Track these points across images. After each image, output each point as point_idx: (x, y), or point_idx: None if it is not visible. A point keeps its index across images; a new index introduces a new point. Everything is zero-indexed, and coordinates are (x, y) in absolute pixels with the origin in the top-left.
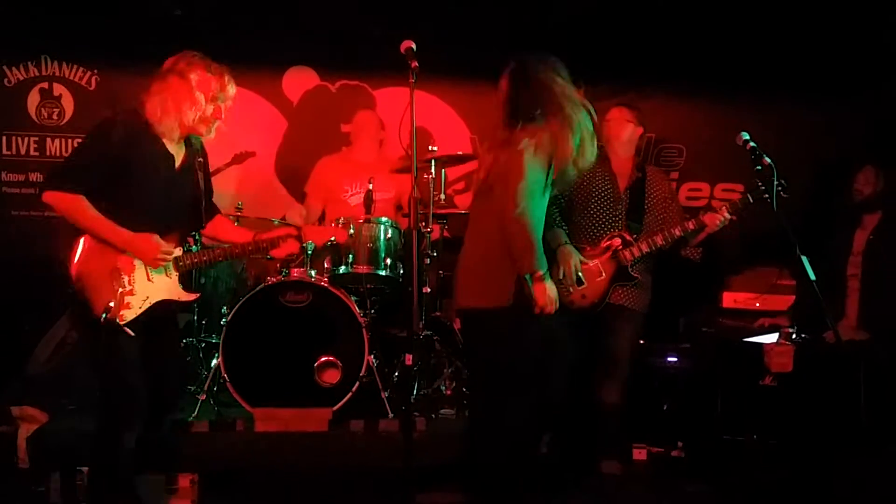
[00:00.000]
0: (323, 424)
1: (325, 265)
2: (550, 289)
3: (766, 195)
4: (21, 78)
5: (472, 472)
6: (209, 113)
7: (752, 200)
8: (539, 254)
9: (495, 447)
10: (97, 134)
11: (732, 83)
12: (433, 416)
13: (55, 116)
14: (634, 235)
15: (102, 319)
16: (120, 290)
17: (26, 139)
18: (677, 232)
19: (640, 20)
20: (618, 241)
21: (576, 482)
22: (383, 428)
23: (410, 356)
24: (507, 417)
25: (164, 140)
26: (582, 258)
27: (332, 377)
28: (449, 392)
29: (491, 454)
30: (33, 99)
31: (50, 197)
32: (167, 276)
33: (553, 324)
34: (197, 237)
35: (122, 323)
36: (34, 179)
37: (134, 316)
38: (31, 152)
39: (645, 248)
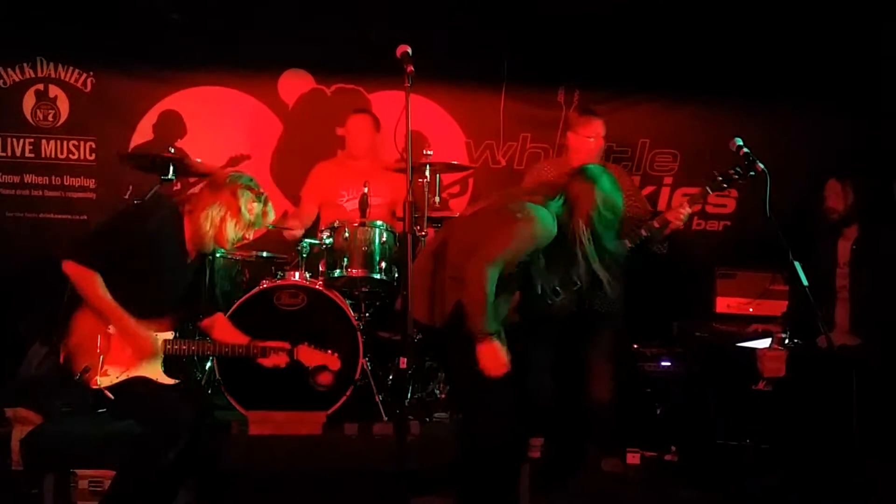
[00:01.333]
0: (317, 428)
1: (320, 268)
2: (495, 352)
3: (725, 185)
4: (16, 79)
5: (455, 478)
6: (244, 234)
7: (710, 192)
8: (489, 314)
9: (470, 454)
10: (132, 216)
11: (726, 89)
12: (427, 419)
13: (50, 118)
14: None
15: (77, 377)
16: (102, 355)
17: (21, 141)
18: (644, 233)
19: (634, 27)
20: None
21: (572, 483)
22: (377, 431)
23: (405, 360)
24: (479, 426)
25: (188, 242)
26: None
27: (326, 380)
28: (443, 396)
29: (466, 460)
30: (29, 100)
31: (69, 267)
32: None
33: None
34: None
35: (94, 388)
36: (29, 181)
37: (108, 384)
38: (27, 154)
39: None
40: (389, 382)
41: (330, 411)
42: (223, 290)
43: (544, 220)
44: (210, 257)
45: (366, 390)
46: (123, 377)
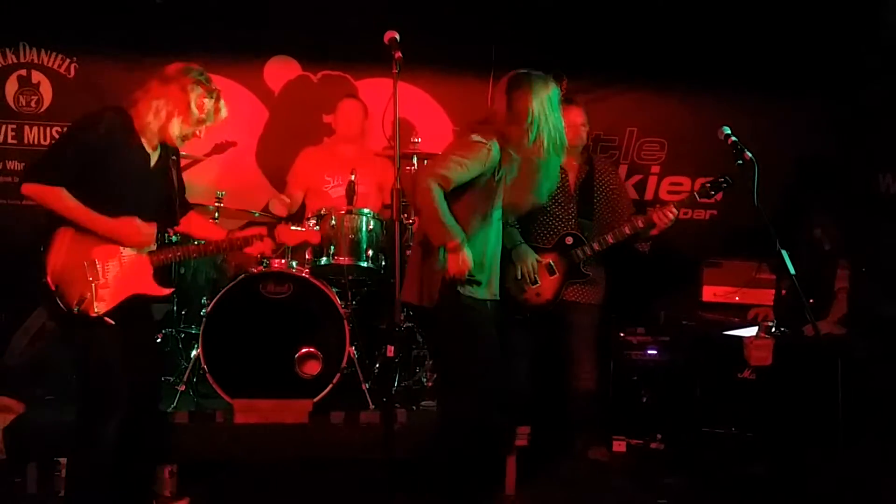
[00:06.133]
0: (303, 416)
1: (307, 256)
2: (461, 258)
3: (712, 192)
4: None
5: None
6: (194, 131)
7: (698, 199)
8: (448, 223)
9: (444, 436)
10: (80, 127)
11: (714, 78)
12: (414, 407)
13: (33, 104)
14: (586, 233)
15: (76, 311)
16: (94, 282)
17: (4, 127)
18: (627, 230)
19: (624, 14)
20: (570, 239)
21: (558, 471)
22: (364, 419)
23: (392, 348)
24: (450, 410)
25: (143, 139)
26: (537, 257)
27: (312, 369)
28: (430, 384)
29: (440, 443)
30: (11, 86)
31: (29, 189)
32: (142, 270)
33: (484, 320)
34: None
35: (94, 315)
36: (12, 168)
37: (107, 308)
38: (9, 140)
39: (597, 247)
40: (376, 370)
41: (316, 399)
42: (209, 278)
43: (493, 147)
44: (173, 156)
45: (352, 378)
46: (120, 298)
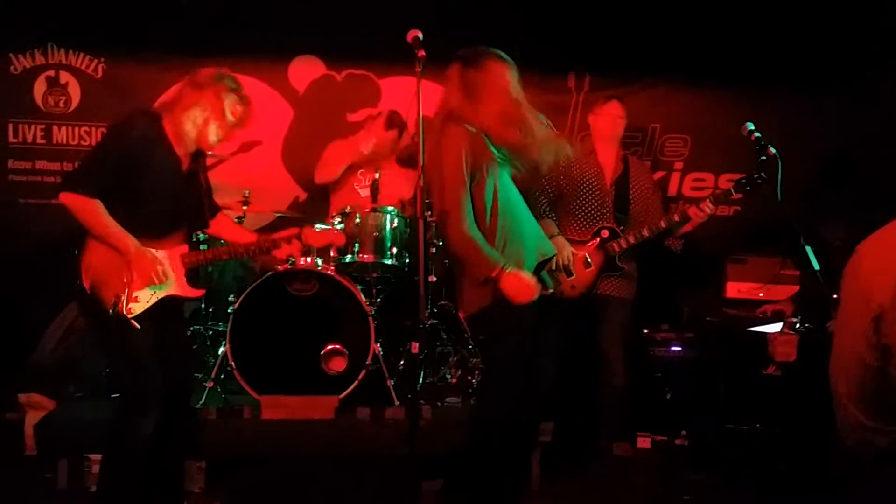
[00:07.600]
0: (329, 412)
1: (332, 254)
2: (516, 280)
3: (748, 188)
4: (27, 66)
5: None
6: (224, 136)
7: (734, 194)
8: (487, 251)
9: (478, 437)
10: (114, 135)
11: (738, 74)
12: (439, 404)
13: (62, 104)
14: (621, 227)
15: (111, 312)
16: (128, 283)
17: (33, 127)
18: (663, 224)
19: (646, 9)
20: (606, 232)
21: (583, 467)
22: (389, 416)
23: (416, 344)
24: (490, 407)
25: (175, 145)
26: (573, 249)
27: (338, 365)
28: (454, 380)
29: (475, 444)
30: (40, 87)
31: (66, 198)
32: (175, 271)
33: (530, 314)
34: (201, 237)
35: (129, 316)
36: (41, 167)
37: (142, 309)
38: (38, 140)
39: (632, 240)
40: (401, 367)
41: (342, 396)
42: (236, 276)
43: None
44: (201, 158)
45: (378, 375)
46: (154, 300)
